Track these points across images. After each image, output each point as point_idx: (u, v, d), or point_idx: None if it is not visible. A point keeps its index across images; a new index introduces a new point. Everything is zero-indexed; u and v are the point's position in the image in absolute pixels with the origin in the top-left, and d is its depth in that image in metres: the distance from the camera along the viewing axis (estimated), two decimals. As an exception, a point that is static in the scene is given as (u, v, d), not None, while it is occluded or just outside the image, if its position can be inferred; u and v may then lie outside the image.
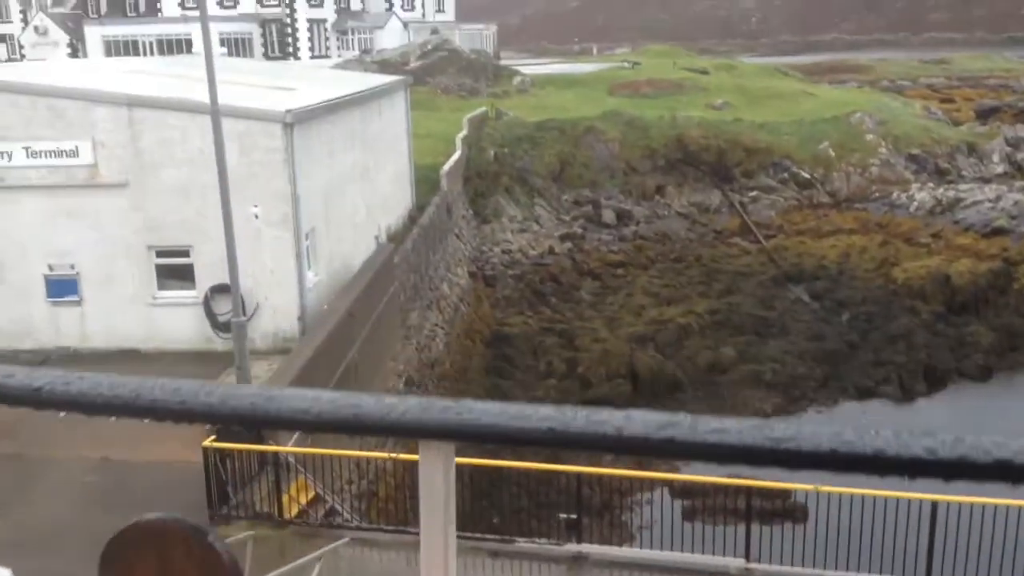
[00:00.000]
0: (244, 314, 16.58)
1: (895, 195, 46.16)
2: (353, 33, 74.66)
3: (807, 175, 47.80)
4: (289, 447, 13.81)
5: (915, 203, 44.77)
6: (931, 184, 47.42)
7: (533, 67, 76.38)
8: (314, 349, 16.18)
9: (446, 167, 35.46)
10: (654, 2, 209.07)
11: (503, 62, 76.00)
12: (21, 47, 76.35)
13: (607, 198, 44.40)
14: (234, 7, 71.97)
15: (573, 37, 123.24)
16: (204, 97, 14.10)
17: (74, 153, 18.38)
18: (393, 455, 14.16)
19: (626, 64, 75.77)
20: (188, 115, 17.91)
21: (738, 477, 13.32)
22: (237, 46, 68.84)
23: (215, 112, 13.81)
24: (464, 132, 42.20)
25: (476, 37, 79.34)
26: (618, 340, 30.36)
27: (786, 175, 47.80)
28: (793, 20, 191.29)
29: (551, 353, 30.39)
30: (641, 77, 64.95)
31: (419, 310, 25.74)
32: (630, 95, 58.57)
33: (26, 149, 18.41)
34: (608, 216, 43.17)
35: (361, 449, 17.07)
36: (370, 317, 19.78)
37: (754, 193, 46.42)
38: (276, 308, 18.42)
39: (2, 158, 18.51)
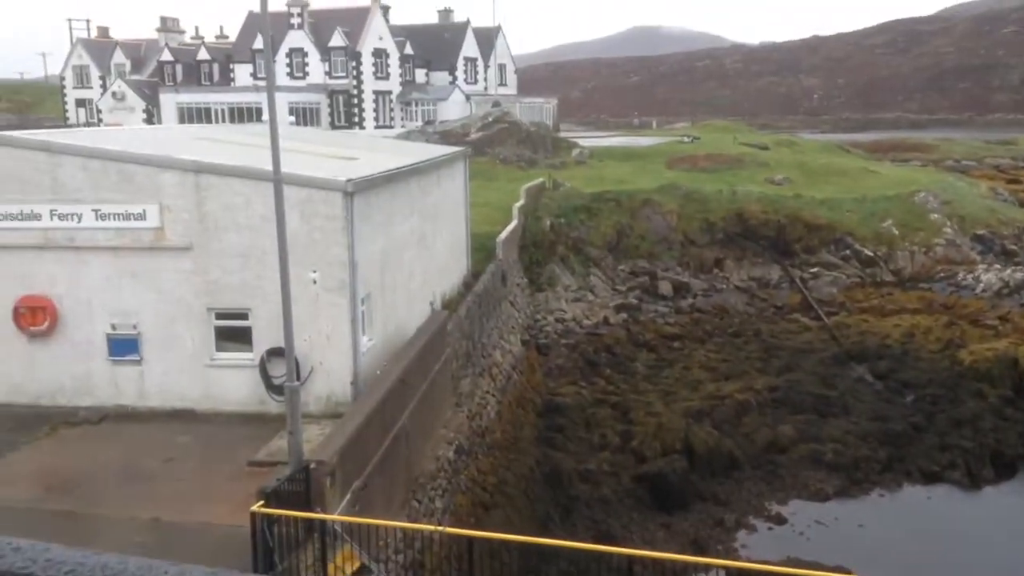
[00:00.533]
0: (298, 378, 16.60)
1: (960, 276, 45.12)
2: (417, 104, 76.36)
3: (870, 253, 47.01)
4: (336, 515, 13.64)
5: (981, 284, 43.65)
6: (998, 265, 46.28)
7: (592, 139, 77.07)
8: (366, 414, 16.09)
9: (502, 235, 35.66)
10: (715, 78, 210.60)
11: (562, 134, 76.85)
12: (99, 111, 79.69)
13: (664, 270, 44.14)
14: (303, 78, 74.32)
15: (633, 111, 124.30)
16: (269, 165, 14.36)
17: (141, 216, 18.83)
18: (441, 528, 13.89)
19: (685, 138, 76.06)
20: (252, 182, 18.26)
21: (797, 564, 12.77)
22: (305, 115, 70.87)
23: (277, 180, 14.03)
24: (521, 202, 42.52)
25: (536, 110, 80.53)
26: (674, 414, 29.84)
27: (848, 252, 47.09)
28: (856, 98, 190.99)
29: (605, 425, 29.93)
30: (700, 151, 65.05)
31: (471, 377, 25.58)
32: (689, 169, 58.63)
33: (95, 211, 18.92)
34: (665, 288, 42.84)
35: (409, 519, 16.85)
36: (422, 383, 19.68)
37: (815, 269, 45.76)
38: (330, 372, 18.45)
39: (72, 219, 19.04)
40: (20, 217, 19.22)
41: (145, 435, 17.95)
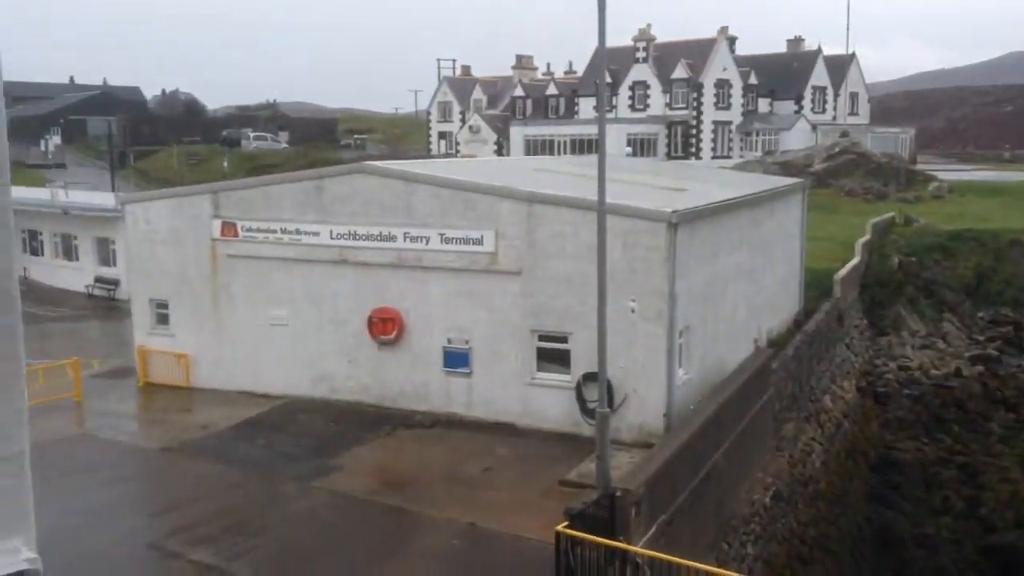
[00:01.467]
0: (611, 405, 16.91)
1: None
2: (757, 135, 74.84)
3: None
4: (640, 547, 13.62)
5: None
6: None
7: (953, 172, 70.62)
8: (677, 448, 15.97)
9: (841, 272, 33.75)
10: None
11: (918, 166, 71.20)
12: (457, 143, 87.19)
13: (1033, 320, 39.14)
14: (644, 110, 75.85)
15: (1005, 143, 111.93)
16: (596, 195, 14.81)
17: (479, 241, 20.32)
18: None
19: (1069, 171, 67.11)
20: (580, 211, 18.96)
21: None
22: (642, 146, 72.25)
23: (601, 210, 14.47)
24: (866, 237, 39.97)
25: (890, 140, 75.45)
26: (1033, 484, 26.47)
27: None
28: None
29: (948, 487, 27.30)
30: (1087, 187, 57.05)
31: (795, 421, 24.43)
32: (1071, 207, 51.61)
33: (441, 235, 20.74)
34: (1032, 341, 37.97)
35: (717, 562, 16.40)
36: (739, 422, 19.14)
37: None
38: (643, 401, 18.58)
39: (421, 242, 21.02)
40: (380, 238, 21.57)
41: (469, 443, 19.27)
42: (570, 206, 19.37)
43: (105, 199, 44.19)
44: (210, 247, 23.73)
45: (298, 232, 22.61)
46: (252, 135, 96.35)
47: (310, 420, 21.20)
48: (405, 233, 21.21)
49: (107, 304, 38.83)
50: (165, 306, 24.65)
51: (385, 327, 21.59)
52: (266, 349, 23.25)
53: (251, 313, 23.43)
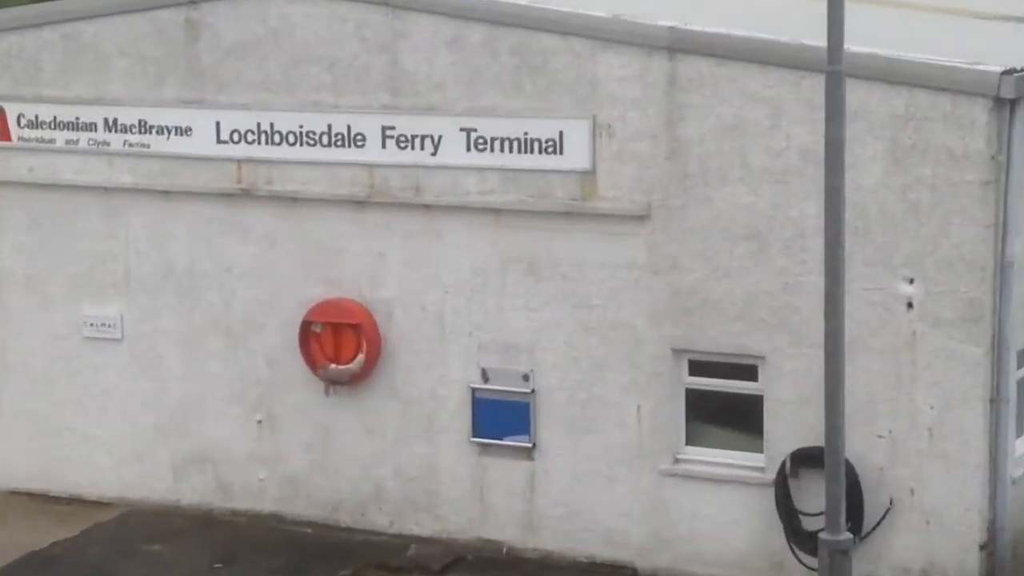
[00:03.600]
0: (859, 523, 16.63)
1: None
2: None
3: None
4: None
5: None
6: None
7: None
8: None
9: None
10: None
11: None
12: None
13: None
14: None
15: None
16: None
17: (554, 145, 20.33)
18: None
19: None
20: (787, 72, 18.79)
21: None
22: None
23: (833, 70, 14.37)
24: None
25: None
26: None
27: None
28: None
29: None
30: None
31: None
32: None
33: (468, 133, 21.00)
34: None
35: None
36: None
37: None
38: (935, 511, 18.36)
39: (423, 147, 21.33)
40: (327, 141, 22.14)
41: None
42: (763, 62, 19.20)
43: None
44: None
45: (144, 128, 22.93)
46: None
47: (170, 555, 21.44)
48: (385, 128, 21.47)
49: None
50: None
51: (339, 344, 21.86)
52: (73, 396, 23.74)
53: (39, 315, 23.98)
